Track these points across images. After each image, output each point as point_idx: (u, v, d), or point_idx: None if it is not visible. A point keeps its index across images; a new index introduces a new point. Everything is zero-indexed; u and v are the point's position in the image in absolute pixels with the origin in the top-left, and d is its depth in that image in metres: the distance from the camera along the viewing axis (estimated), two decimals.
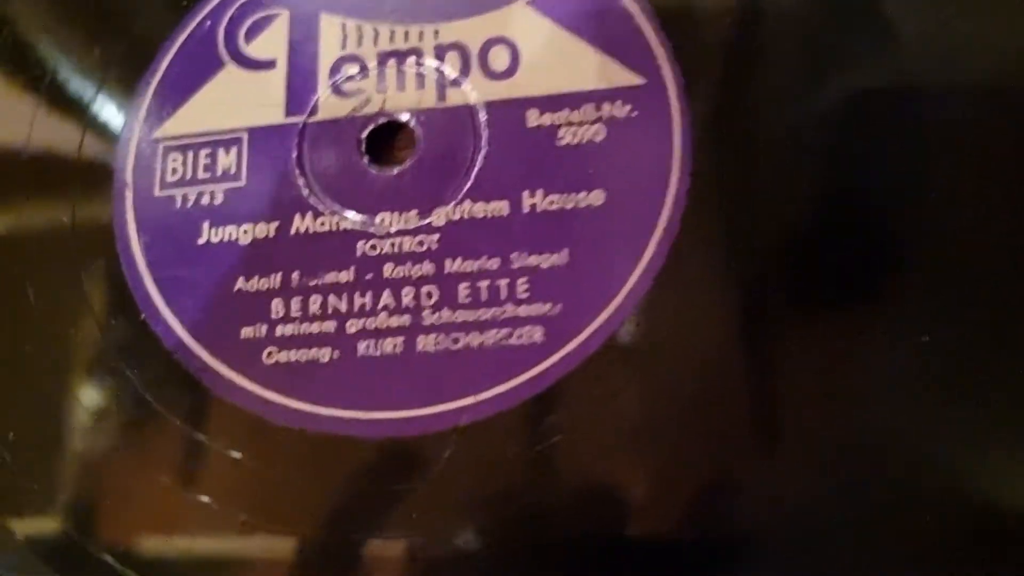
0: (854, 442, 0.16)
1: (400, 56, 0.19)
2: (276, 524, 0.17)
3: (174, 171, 0.19)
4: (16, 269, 0.19)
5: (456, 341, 0.17)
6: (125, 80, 0.20)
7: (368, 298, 0.18)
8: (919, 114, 0.17)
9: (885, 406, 0.16)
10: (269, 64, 0.20)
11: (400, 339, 0.18)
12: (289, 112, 0.19)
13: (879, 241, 0.17)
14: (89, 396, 0.18)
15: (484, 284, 0.18)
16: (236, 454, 0.17)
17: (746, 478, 0.16)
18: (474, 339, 0.17)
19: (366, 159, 0.19)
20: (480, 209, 0.18)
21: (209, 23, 0.20)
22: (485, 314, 0.17)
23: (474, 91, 0.19)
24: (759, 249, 0.17)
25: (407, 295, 0.18)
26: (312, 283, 0.18)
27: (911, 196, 0.17)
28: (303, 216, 0.19)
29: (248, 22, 0.20)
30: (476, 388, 0.17)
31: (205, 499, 0.17)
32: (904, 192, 0.17)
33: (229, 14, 0.20)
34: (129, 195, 0.19)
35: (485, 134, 0.19)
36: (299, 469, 0.17)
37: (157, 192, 0.19)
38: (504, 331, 0.17)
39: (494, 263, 0.18)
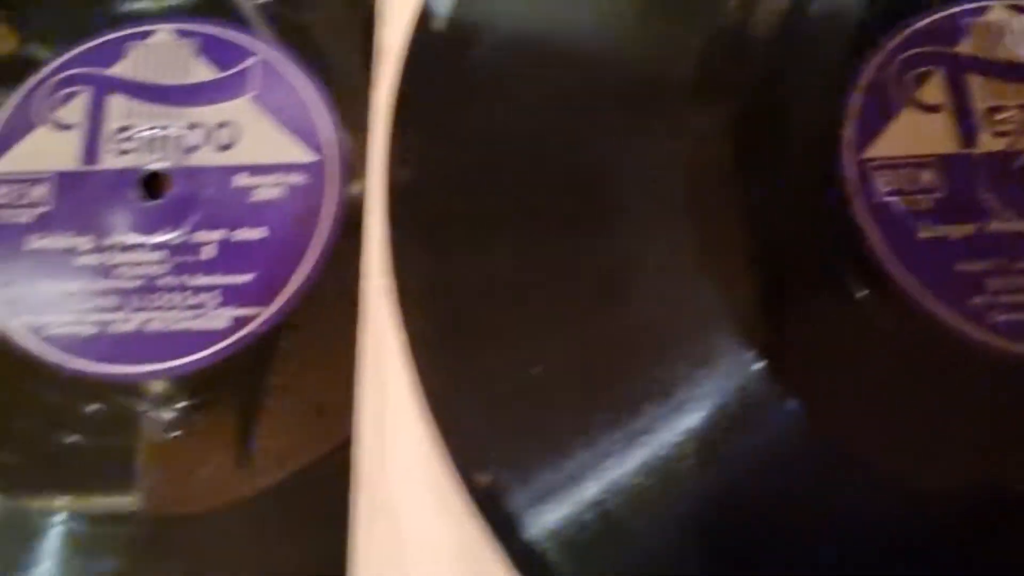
0: None
1: None
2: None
3: (888, 184, 0.27)
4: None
5: None
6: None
7: None
8: None
9: None
10: (936, 108, 0.27)
11: None
12: (960, 144, 0.27)
13: None
14: None
15: None
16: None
17: None
18: None
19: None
20: None
21: (882, 69, 0.28)
22: None
23: None
24: None
25: None
26: (1017, 267, 0.26)
27: None
28: (995, 219, 0.26)
29: (911, 70, 0.28)
30: None
31: None
32: None
33: (897, 62, 0.28)
34: (857, 202, 0.26)
35: None
36: None
37: (875, 200, 0.26)
38: None
39: None
